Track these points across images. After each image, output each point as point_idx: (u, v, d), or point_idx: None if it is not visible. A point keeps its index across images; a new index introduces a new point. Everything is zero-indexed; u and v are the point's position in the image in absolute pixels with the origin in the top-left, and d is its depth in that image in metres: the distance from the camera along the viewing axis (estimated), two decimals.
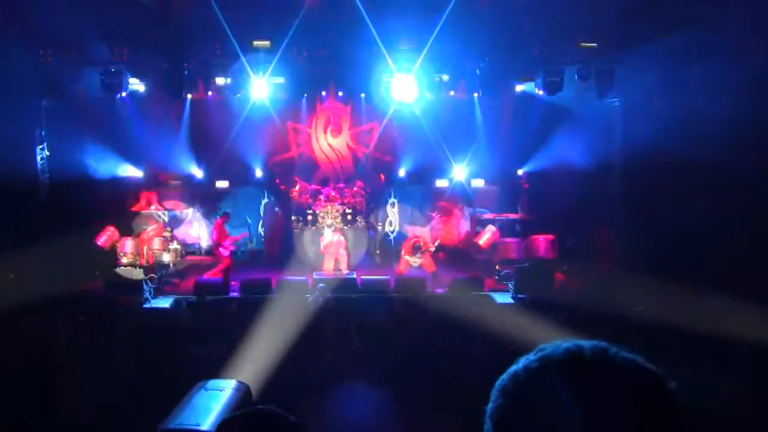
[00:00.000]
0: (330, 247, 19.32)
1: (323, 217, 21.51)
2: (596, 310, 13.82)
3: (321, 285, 16.73)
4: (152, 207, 20.86)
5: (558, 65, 19.18)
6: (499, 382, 1.78)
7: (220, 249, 18.80)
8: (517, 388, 1.74)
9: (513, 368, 1.77)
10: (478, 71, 20.33)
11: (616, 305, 13.47)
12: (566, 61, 19.15)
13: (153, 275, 17.71)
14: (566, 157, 19.92)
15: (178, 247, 19.56)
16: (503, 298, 17.10)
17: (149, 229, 19.49)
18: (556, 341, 1.80)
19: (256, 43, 18.89)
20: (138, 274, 16.82)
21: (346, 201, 21.97)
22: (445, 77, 20.67)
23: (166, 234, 19.48)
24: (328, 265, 18.94)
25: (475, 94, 21.87)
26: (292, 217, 21.83)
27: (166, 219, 20.95)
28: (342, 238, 19.60)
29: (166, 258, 18.90)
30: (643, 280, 14.41)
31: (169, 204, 21.85)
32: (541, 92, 19.76)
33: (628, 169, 19.03)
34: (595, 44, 18.41)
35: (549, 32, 18.07)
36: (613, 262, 17.44)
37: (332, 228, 20.33)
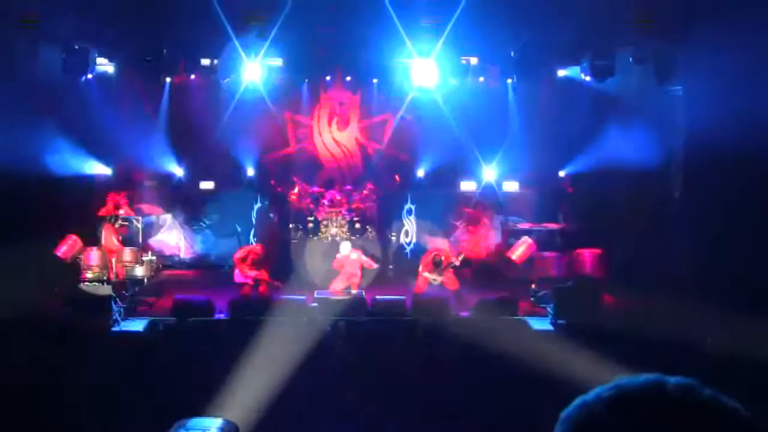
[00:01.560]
0: (347, 265, 19.10)
1: (327, 226, 21.43)
2: (653, 340, 13.69)
3: (313, 304, 16.64)
4: (121, 211, 20.78)
5: (609, 46, 19.05)
6: (565, 412, 1.82)
7: (236, 271, 18.75)
8: (585, 419, 1.76)
9: (582, 398, 1.81)
10: (512, 53, 20.22)
11: (678, 335, 13.33)
12: (619, 42, 19.00)
13: (123, 292, 17.63)
14: (618, 155, 19.76)
15: (154, 259, 19.47)
16: (541, 324, 17.01)
17: (102, 235, 19.40)
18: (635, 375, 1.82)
19: (249, 17, 18.81)
20: (105, 291, 16.73)
21: (354, 207, 21.92)
22: (473, 60, 20.56)
23: (119, 224, 19.41)
24: (338, 286, 18.77)
25: (509, 81, 21.83)
26: (290, 225, 21.78)
27: (138, 225, 20.85)
28: (363, 258, 19.35)
29: (140, 272, 18.83)
30: (712, 305, 14.24)
31: (143, 206, 21.76)
32: (588, 78, 19.62)
33: (692, 170, 18.84)
34: (653, 21, 18.26)
35: (598, 6, 17.91)
36: (674, 282, 17.28)
37: (350, 242, 20.04)
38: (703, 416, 1.67)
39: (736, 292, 14.56)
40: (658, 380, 1.75)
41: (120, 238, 19.49)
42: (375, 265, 19.33)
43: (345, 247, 19.30)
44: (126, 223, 20.17)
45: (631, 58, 18.98)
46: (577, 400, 1.80)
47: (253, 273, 18.54)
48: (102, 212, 20.89)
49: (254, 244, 20.16)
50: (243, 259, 18.68)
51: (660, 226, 19.21)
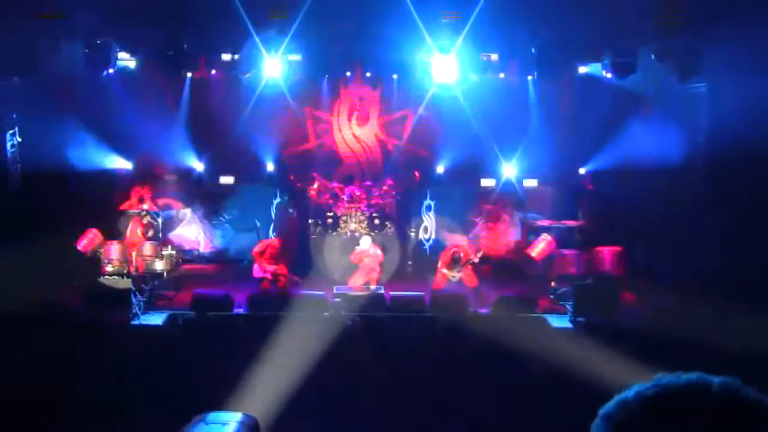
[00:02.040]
0: (366, 260, 19.06)
1: (346, 221, 21.42)
2: (673, 339, 13.63)
3: (336, 300, 16.64)
4: (144, 205, 20.78)
5: (630, 43, 18.93)
6: (604, 409, 1.84)
7: (255, 266, 18.75)
8: (626, 417, 1.77)
9: (622, 395, 1.82)
10: (533, 49, 20.10)
11: (697, 333, 13.26)
12: (641, 38, 18.88)
13: (143, 286, 17.63)
14: (639, 153, 19.68)
15: (173, 253, 19.45)
16: (560, 322, 17.00)
17: (128, 228, 19.39)
18: (677, 373, 1.84)
19: (269, 12, 18.80)
20: (125, 284, 16.72)
21: (373, 202, 21.87)
22: (494, 56, 20.50)
23: (147, 220, 19.38)
24: (357, 281, 18.76)
25: (530, 77, 21.68)
26: (310, 221, 21.77)
27: (159, 220, 20.84)
28: (379, 253, 19.31)
29: (159, 266, 18.77)
30: (734, 303, 14.16)
31: (163, 202, 21.75)
32: (609, 75, 19.51)
33: (715, 168, 18.70)
34: (676, 17, 18.14)
35: (619, 2, 17.81)
36: (695, 280, 17.18)
37: (370, 237, 19.95)
38: (748, 417, 1.66)
39: (760, 291, 14.48)
40: (701, 380, 1.76)
41: (146, 232, 19.45)
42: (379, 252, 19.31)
43: (365, 242, 19.27)
44: (154, 222, 20.16)
45: (653, 55, 18.88)
46: (617, 398, 1.81)
47: (271, 267, 18.54)
48: (125, 206, 20.92)
49: (273, 237, 20.13)
50: (261, 253, 18.67)
51: (681, 224, 19.10)
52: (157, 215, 20.60)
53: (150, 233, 19.57)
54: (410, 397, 11.36)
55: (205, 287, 18.00)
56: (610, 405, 1.81)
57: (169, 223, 21.52)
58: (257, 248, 18.87)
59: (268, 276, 18.49)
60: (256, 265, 18.71)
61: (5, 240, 15.64)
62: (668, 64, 18.88)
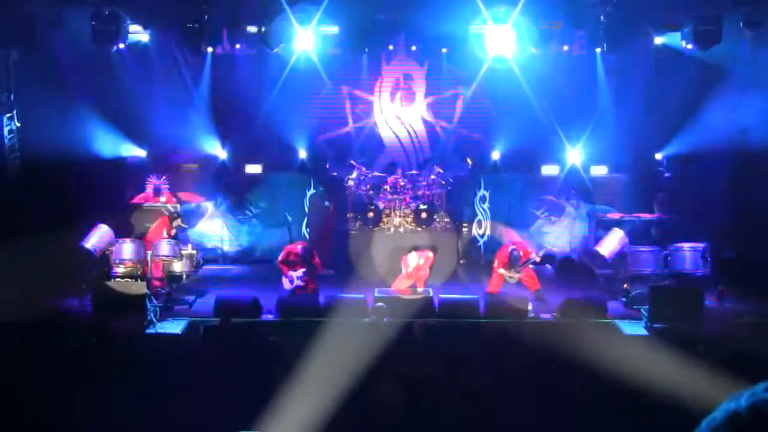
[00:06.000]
0: (420, 274, 19.02)
1: (389, 215, 21.32)
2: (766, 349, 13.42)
3: (378, 304, 16.56)
4: (162, 199, 20.80)
5: (714, 8, 18.70)
6: (710, 423, 1.78)
7: (283, 277, 18.77)
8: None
9: (732, 407, 1.78)
10: (602, 17, 19.94)
11: None
12: (726, 2, 18.65)
13: (160, 290, 17.66)
14: (724, 135, 19.49)
15: (194, 252, 19.44)
16: (634, 329, 16.87)
17: (151, 227, 19.39)
18: None
19: None
20: (139, 288, 16.72)
21: (419, 193, 21.77)
22: (557, 25, 20.33)
23: (177, 224, 19.33)
24: (403, 283, 18.68)
25: (598, 49, 21.51)
26: (348, 214, 21.75)
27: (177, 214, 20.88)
28: (430, 255, 19.22)
29: (178, 267, 18.79)
30: None
31: (182, 195, 21.79)
32: (690, 46, 19.31)
33: None
34: None
35: None
36: None
37: (417, 247, 19.78)
38: None
39: None
40: None
41: (173, 225, 19.36)
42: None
43: (413, 258, 19.13)
44: (184, 226, 20.10)
45: (741, 22, 18.63)
46: (725, 408, 1.77)
47: (298, 271, 18.47)
48: (139, 199, 20.95)
49: (295, 243, 20.04)
50: (284, 261, 18.67)
51: None
52: (172, 208, 20.56)
53: (178, 226, 19.53)
54: (463, 416, 11.22)
55: (230, 290, 18.02)
56: (717, 417, 1.75)
57: (189, 219, 21.52)
58: (280, 257, 18.86)
59: (301, 283, 18.45)
60: (283, 277, 18.65)
61: (2, 237, 15.67)
62: (759, 32, 18.62)
